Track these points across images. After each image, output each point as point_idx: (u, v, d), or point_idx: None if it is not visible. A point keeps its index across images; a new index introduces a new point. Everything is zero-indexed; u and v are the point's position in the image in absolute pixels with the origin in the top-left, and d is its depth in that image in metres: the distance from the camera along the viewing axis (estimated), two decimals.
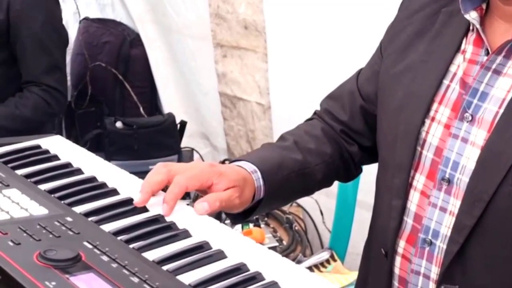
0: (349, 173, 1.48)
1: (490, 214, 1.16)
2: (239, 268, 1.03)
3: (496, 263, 1.18)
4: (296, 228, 2.82)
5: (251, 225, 2.70)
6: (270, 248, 2.63)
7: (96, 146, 3.03)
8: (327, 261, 2.53)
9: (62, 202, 1.18)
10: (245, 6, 2.93)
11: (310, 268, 2.51)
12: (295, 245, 2.70)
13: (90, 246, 1.03)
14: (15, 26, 2.20)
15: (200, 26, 3.13)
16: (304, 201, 2.92)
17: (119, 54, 3.38)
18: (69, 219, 1.11)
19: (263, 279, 1.00)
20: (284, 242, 2.70)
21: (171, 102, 3.41)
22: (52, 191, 1.21)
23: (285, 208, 2.94)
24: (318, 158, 1.40)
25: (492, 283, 1.20)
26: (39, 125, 2.11)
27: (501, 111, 1.17)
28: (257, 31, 2.93)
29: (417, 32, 1.33)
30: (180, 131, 3.17)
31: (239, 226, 2.67)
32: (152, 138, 3.05)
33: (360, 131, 1.44)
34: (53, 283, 0.92)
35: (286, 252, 2.63)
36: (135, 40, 3.42)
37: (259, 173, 1.30)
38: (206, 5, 3.06)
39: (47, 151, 1.38)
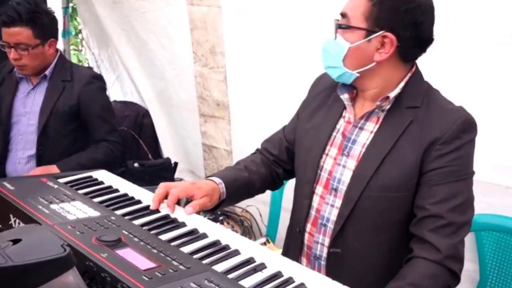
0: (276, 185, 1.50)
1: (358, 208, 1.19)
2: (235, 253, 1.03)
3: (363, 235, 1.21)
4: (246, 224, 2.81)
5: (219, 224, 2.71)
6: None
7: None
8: (264, 243, 2.51)
9: (108, 208, 1.19)
10: (217, 92, 2.93)
11: None
12: (245, 235, 2.70)
13: (126, 233, 1.04)
14: (84, 108, 2.14)
15: (190, 103, 3.12)
16: (250, 208, 2.90)
17: (135, 122, 3.35)
18: (113, 218, 1.12)
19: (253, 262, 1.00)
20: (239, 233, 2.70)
21: (169, 150, 3.37)
22: (101, 202, 1.22)
23: (239, 213, 2.94)
24: (258, 176, 1.41)
25: (361, 247, 1.22)
26: (107, 165, 1.96)
27: (363, 150, 1.21)
28: (224, 107, 2.94)
29: (319, 106, 1.36)
30: (174, 168, 3.14)
31: None
32: (156, 173, 3.00)
33: (285, 160, 1.45)
34: (105, 254, 0.94)
35: None
36: (146, 114, 3.39)
37: (223, 184, 1.31)
38: (194, 91, 3.06)
39: (96, 179, 1.39)
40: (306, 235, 1.32)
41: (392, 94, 1.20)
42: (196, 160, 3.30)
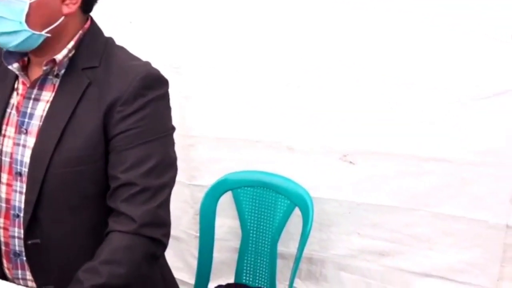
0: None
1: (46, 190, 1.10)
2: None
3: (59, 219, 1.13)
4: None
5: None
6: None
7: None
8: None
9: None
10: None
11: None
12: None
13: None
14: None
15: None
16: None
17: None
18: None
19: None
20: None
21: None
22: None
23: None
24: None
25: (61, 232, 1.14)
26: None
27: (41, 123, 1.11)
28: None
29: None
30: None
31: None
32: None
33: None
34: None
35: None
36: None
37: None
38: None
39: None
40: (1, 231, 1.19)
41: (60, 56, 1.11)
42: None
